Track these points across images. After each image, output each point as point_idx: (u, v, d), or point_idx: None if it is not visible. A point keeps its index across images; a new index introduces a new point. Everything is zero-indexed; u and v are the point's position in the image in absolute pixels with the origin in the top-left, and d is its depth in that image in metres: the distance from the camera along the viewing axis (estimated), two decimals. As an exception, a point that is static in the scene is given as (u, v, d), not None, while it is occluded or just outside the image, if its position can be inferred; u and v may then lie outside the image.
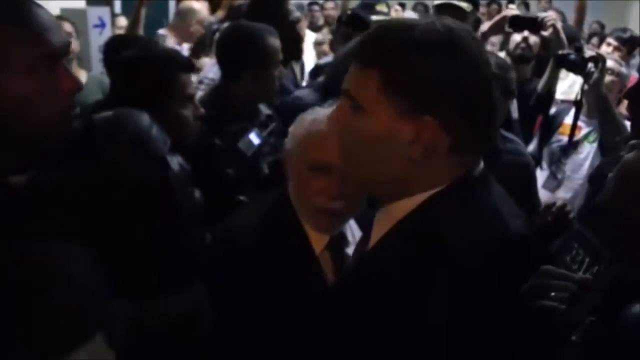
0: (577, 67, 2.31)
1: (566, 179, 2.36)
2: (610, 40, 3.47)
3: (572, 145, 2.42)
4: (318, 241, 1.25)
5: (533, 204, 1.93)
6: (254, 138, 1.83)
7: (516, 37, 2.83)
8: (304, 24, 4.41)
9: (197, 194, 1.65)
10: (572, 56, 2.32)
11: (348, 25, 2.25)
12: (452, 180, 0.84)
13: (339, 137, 0.89)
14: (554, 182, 2.35)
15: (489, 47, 3.16)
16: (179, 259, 1.35)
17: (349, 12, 2.33)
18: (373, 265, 0.86)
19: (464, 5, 2.49)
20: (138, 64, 1.60)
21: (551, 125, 2.58)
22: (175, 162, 1.50)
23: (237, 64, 1.89)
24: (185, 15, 3.41)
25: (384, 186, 0.87)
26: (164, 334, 1.16)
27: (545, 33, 2.59)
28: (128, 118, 1.41)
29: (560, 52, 2.40)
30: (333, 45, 2.29)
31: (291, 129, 1.28)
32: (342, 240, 1.27)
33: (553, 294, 0.96)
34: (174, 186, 1.44)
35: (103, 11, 3.72)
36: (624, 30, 3.65)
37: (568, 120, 2.47)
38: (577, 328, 0.89)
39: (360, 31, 2.14)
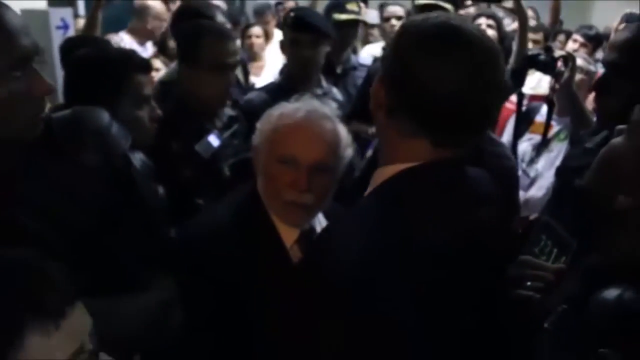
0: (548, 67, 2.32)
1: (538, 177, 2.35)
2: (576, 37, 3.52)
3: (544, 144, 2.41)
4: (288, 235, 1.26)
5: (515, 208, 1.92)
6: (213, 140, 1.77)
7: None
8: (272, 23, 4.39)
9: (161, 190, 1.65)
10: (542, 56, 2.33)
11: (290, 28, 2.18)
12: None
13: None
14: (527, 180, 2.33)
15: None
16: (143, 255, 1.35)
17: (291, 14, 2.24)
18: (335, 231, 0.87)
19: (448, 6, 2.47)
20: (91, 63, 1.56)
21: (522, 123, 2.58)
22: (138, 158, 1.57)
23: (187, 67, 1.85)
24: (140, 13, 3.43)
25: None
26: (130, 331, 1.16)
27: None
28: (87, 116, 1.43)
29: (530, 52, 2.41)
30: (283, 47, 2.21)
31: (258, 125, 1.30)
32: (312, 234, 1.28)
33: (529, 283, 0.97)
34: (137, 181, 1.49)
35: (65, 12, 3.63)
36: (590, 27, 3.71)
37: (539, 118, 2.47)
38: (550, 316, 0.89)
39: (304, 34, 2.10)
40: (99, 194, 1.32)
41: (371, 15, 4.28)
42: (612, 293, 0.77)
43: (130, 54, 1.65)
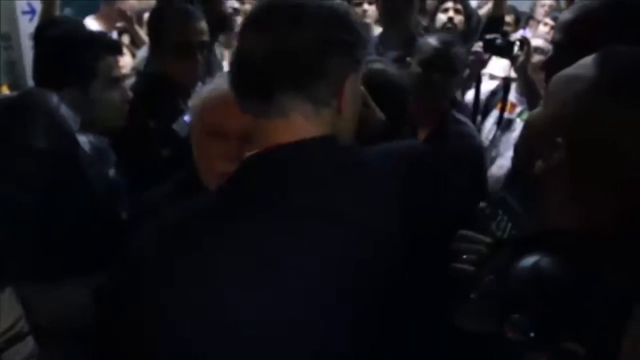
0: (504, 50, 2.44)
1: (499, 156, 2.47)
2: (546, 20, 3.63)
3: (506, 123, 2.53)
4: None
5: (483, 188, 2.01)
6: (189, 119, 1.85)
7: (442, 17, 3.05)
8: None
9: (112, 172, 1.66)
10: (499, 40, 2.45)
11: None
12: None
13: None
14: (487, 159, 2.45)
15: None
16: (88, 238, 1.36)
17: None
18: None
19: None
20: (61, 45, 1.58)
21: (489, 102, 2.71)
22: (86, 140, 1.56)
23: (161, 48, 1.93)
24: None
25: None
26: (68, 316, 1.17)
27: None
28: (35, 97, 1.47)
29: (487, 36, 2.51)
30: None
31: (191, 100, 1.32)
32: None
33: (465, 256, 1.02)
34: (83, 163, 1.49)
35: (32, -3, 3.61)
36: (559, 9, 3.82)
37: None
38: (478, 287, 0.96)
39: None
40: (42, 177, 1.33)
41: None
42: (529, 260, 0.83)
43: (100, 36, 1.69)
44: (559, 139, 0.81)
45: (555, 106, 0.84)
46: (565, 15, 1.47)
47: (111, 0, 3.31)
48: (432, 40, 2.02)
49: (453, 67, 2.00)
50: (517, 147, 1.00)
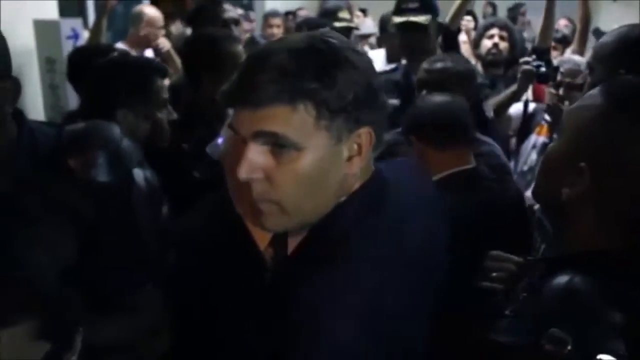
0: (549, 78, 2.51)
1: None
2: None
3: (542, 147, 2.55)
4: (262, 239, 1.24)
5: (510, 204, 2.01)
6: (222, 142, 1.92)
7: (487, 43, 3.05)
8: (279, 29, 4.57)
9: (165, 210, 1.74)
10: (543, 68, 2.52)
11: None
12: (359, 186, 0.90)
13: (269, 183, 0.85)
14: (523, 182, 2.47)
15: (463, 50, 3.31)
16: (131, 277, 1.37)
17: (305, 28, 2.43)
18: (295, 269, 0.91)
19: (422, 19, 2.56)
20: (116, 68, 1.69)
21: (528, 125, 2.75)
22: (142, 176, 1.57)
23: (198, 70, 2.01)
24: (134, 21, 3.51)
25: (323, 212, 0.88)
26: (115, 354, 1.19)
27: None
28: (99, 130, 1.48)
29: (526, 67, 2.56)
30: None
31: (224, 129, 1.34)
32: (285, 235, 1.31)
33: (494, 274, 1.10)
34: (136, 202, 1.49)
35: (76, 22, 3.81)
36: (556, 30, 3.86)
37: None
38: (512, 304, 0.99)
39: None
40: (94, 212, 1.32)
41: (367, 25, 4.47)
42: (563, 279, 0.87)
43: (150, 60, 1.81)
44: (582, 164, 0.89)
45: (571, 136, 0.93)
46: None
47: (135, 22, 3.49)
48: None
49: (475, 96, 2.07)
50: (538, 180, 1.05)
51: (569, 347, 0.79)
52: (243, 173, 0.84)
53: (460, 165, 1.72)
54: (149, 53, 3.44)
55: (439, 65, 2.07)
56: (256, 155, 0.83)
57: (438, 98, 1.78)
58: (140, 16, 3.49)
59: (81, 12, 4.61)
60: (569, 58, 2.78)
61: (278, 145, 0.82)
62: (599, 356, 0.76)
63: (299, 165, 0.83)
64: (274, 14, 4.73)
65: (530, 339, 0.85)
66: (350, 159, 0.87)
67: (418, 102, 1.87)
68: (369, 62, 0.89)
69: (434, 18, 2.61)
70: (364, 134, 0.86)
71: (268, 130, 0.82)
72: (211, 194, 1.36)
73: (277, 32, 4.32)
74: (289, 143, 0.82)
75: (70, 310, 0.87)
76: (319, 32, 0.87)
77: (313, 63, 0.81)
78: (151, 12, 3.55)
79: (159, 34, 3.50)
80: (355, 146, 0.86)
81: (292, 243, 0.94)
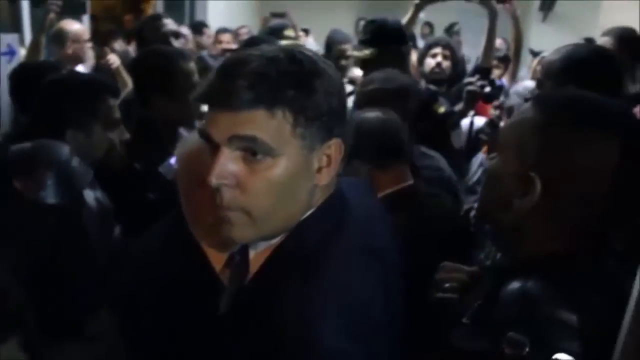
0: (493, 97, 2.64)
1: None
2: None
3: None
4: (217, 259, 1.26)
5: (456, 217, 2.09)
6: (175, 162, 1.91)
7: (430, 62, 3.21)
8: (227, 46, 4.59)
9: (117, 230, 1.70)
10: (487, 88, 2.64)
11: None
12: (323, 201, 0.91)
13: (239, 190, 0.85)
14: (472, 197, 2.57)
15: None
16: (86, 300, 1.35)
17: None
18: (259, 295, 0.89)
19: (366, 53, 2.57)
20: (66, 86, 1.65)
21: (475, 141, 2.86)
22: (92, 197, 1.60)
23: (150, 87, 1.99)
24: (57, 40, 3.38)
25: (291, 223, 0.89)
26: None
27: None
28: (47, 150, 1.46)
29: (471, 87, 2.67)
30: None
31: (177, 149, 1.30)
32: (244, 255, 1.27)
33: (447, 285, 1.14)
34: (87, 224, 1.49)
35: (12, 38, 3.67)
36: (498, 49, 4.08)
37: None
38: (468, 312, 1.03)
39: None
40: (44, 233, 1.32)
41: (310, 43, 4.61)
42: (516, 284, 0.90)
43: (101, 79, 1.77)
44: (532, 174, 0.93)
45: (514, 150, 0.97)
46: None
47: (60, 41, 3.37)
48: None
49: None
50: (484, 197, 1.09)
51: (527, 349, 0.83)
52: (214, 178, 0.83)
53: (398, 184, 1.73)
54: (80, 69, 3.33)
55: (369, 87, 2.09)
56: (229, 161, 0.83)
57: (369, 117, 1.76)
58: (64, 34, 3.36)
59: (16, 27, 4.45)
60: (522, 86, 2.89)
61: (252, 151, 0.83)
62: (556, 356, 0.80)
63: (272, 173, 0.83)
64: (223, 30, 4.78)
65: (490, 344, 0.88)
66: (319, 170, 0.88)
67: (351, 122, 1.86)
68: (340, 76, 0.92)
69: (386, 47, 2.56)
70: (335, 145, 0.88)
71: (246, 135, 0.82)
72: (165, 215, 1.37)
73: (227, 47, 4.35)
74: (265, 148, 0.82)
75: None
76: (292, 44, 0.90)
77: (292, 71, 0.83)
78: (75, 28, 3.43)
79: (86, 50, 3.43)
80: (325, 157, 0.88)
81: (256, 261, 0.93)
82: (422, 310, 1.11)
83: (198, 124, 2.18)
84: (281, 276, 0.86)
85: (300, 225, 0.89)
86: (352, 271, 0.87)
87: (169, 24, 2.99)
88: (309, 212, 0.90)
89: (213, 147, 0.85)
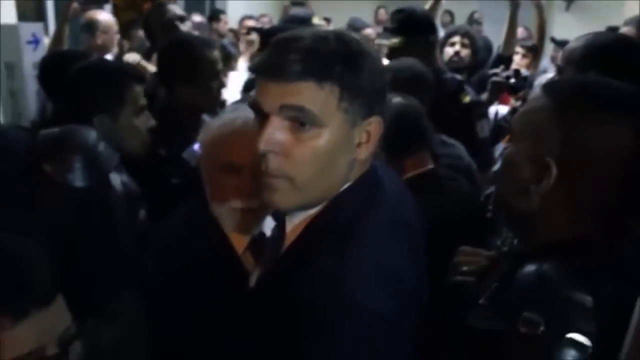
0: (519, 88, 2.63)
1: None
2: (517, 48, 3.83)
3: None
4: (239, 242, 1.30)
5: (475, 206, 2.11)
6: (198, 148, 1.95)
7: (449, 50, 3.21)
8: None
9: (142, 214, 1.73)
10: (512, 80, 2.63)
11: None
12: (360, 176, 0.95)
13: (285, 157, 0.88)
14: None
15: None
16: (111, 282, 1.38)
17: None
18: (296, 263, 0.92)
19: (395, 42, 2.56)
20: (94, 74, 1.68)
21: (499, 130, 2.87)
22: (119, 181, 1.64)
23: (174, 76, 2.02)
24: (88, 29, 3.44)
25: (330, 194, 0.93)
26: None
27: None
28: (75, 134, 1.51)
29: (496, 79, 2.67)
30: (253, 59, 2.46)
31: (200, 135, 1.34)
32: (262, 239, 1.31)
33: (465, 268, 1.17)
34: (113, 206, 1.54)
35: (36, 27, 3.75)
36: (524, 38, 4.06)
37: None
38: (485, 293, 1.05)
39: None
40: (72, 219, 1.35)
41: None
42: (533, 267, 0.93)
43: (127, 66, 1.80)
44: (548, 159, 0.94)
45: (530, 137, 0.98)
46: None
47: (90, 30, 3.43)
48: None
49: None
50: (501, 184, 1.09)
51: (542, 328, 0.85)
52: (262, 145, 0.88)
53: (418, 168, 1.77)
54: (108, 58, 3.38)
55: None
56: (277, 130, 0.88)
57: (391, 103, 1.77)
58: (95, 24, 3.42)
59: (40, 16, 4.52)
60: (546, 78, 2.89)
61: (300, 121, 0.87)
62: (570, 335, 0.82)
63: (317, 143, 0.88)
64: (249, 17, 4.92)
65: (506, 323, 0.91)
66: (359, 145, 0.92)
67: None
68: (381, 59, 0.96)
69: (414, 36, 2.54)
70: (375, 122, 0.93)
71: (295, 104, 0.86)
72: (188, 200, 1.41)
73: (254, 25, 4.43)
74: (312, 119, 0.87)
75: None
76: (337, 29, 0.95)
77: (340, 49, 0.88)
78: (105, 18, 3.49)
79: (115, 40, 3.48)
80: (365, 134, 0.92)
81: (292, 233, 0.97)
82: (439, 291, 1.14)
83: (227, 106, 2.24)
84: (318, 245, 0.90)
85: (338, 197, 0.94)
86: (386, 241, 0.91)
87: (174, 9, 3.02)
88: (346, 185, 0.94)
89: (262, 117, 0.89)
